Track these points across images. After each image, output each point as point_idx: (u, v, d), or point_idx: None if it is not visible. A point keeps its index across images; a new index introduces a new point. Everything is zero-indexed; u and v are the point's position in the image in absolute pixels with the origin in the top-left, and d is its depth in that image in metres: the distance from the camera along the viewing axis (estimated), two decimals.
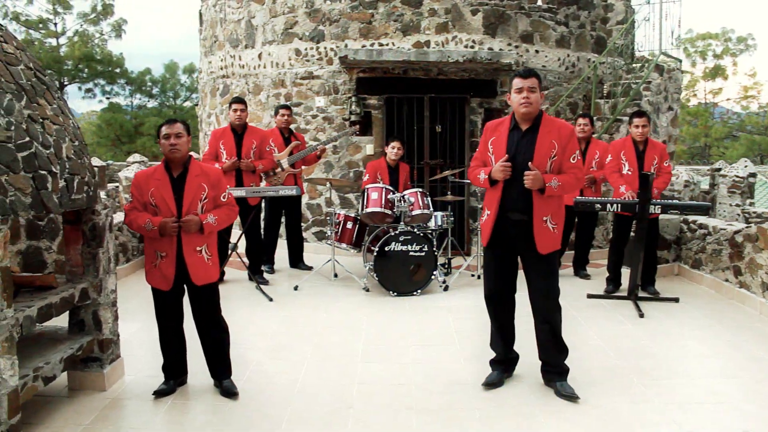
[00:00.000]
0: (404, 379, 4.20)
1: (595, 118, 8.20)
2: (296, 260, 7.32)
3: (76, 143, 3.55)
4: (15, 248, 5.01)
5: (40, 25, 25.85)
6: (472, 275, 7.05)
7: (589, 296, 6.11)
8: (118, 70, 26.97)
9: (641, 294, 6.11)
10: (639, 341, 4.93)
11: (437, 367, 4.42)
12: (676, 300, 5.95)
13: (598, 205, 5.72)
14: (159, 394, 3.86)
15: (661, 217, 6.77)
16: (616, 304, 5.91)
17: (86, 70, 26.11)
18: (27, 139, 3.16)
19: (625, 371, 4.32)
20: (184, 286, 3.85)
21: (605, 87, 8.52)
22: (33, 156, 3.16)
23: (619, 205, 5.69)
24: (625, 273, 6.62)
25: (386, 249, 6.11)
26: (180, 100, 30.45)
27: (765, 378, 4.20)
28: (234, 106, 6.27)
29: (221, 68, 9.18)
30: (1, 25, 3.46)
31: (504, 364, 4.18)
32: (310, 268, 7.14)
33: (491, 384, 4.05)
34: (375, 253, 6.10)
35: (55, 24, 26.37)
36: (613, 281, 6.30)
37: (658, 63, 8.26)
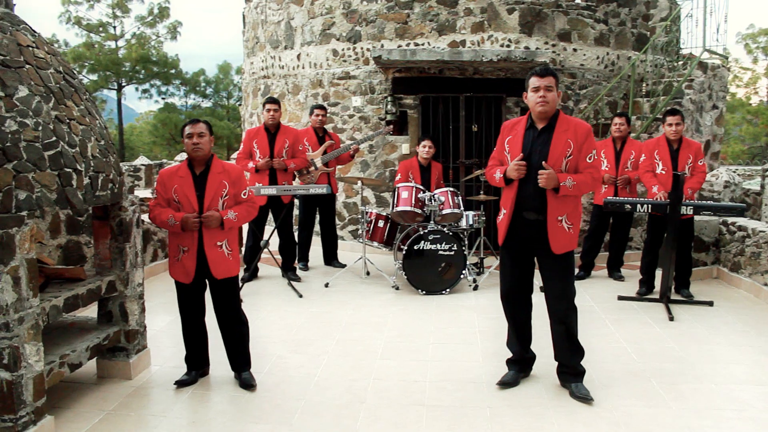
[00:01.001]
0: (419, 376, 4.24)
1: (634, 117, 8.04)
2: (330, 258, 7.43)
3: (102, 143, 3.73)
4: (56, 243, 5.27)
5: (101, 29, 26.88)
6: None
7: (620, 298, 6.00)
8: (173, 71, 27.81)
9: (675, 297, 5.97)
10: (665, 345, 4.83)
11: (454, 365, 4.44)
12: (710, 304, 5.80)
13: (628, 206, 5.61)
14: (180, 384, 4.01)
15: (698, 218, 6.60)
16: (648, 306, 5.80)
17: (143, 71, 27.04)
18: (54, 138, 3.34)
19: (646, 375, 4.25)
20: (206, 280, 3.99)
21: (647, 85, 8.33)
22: (59, 154, 3.34)
23: (650, 205, 5.57)
24: (660, 275, 6.48)
25: (415, 248, 6.15)
26: (233, 100, 31.13)
27: None
28: (267, 106, 6.42)
29: (262, 69, 9.39)
30: (35, 32, 3.66)
31: (520, 364, 4.17)
32: (343, 266, 7.24)
33: (506, 383, 4.06)
34: (404, 252, 6.15)
35: (114, 27, 27.39)
36: (646, 283, 6.17)
37: (702, 60, 8.02)
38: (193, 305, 4.05)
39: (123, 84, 27.22)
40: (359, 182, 6.59)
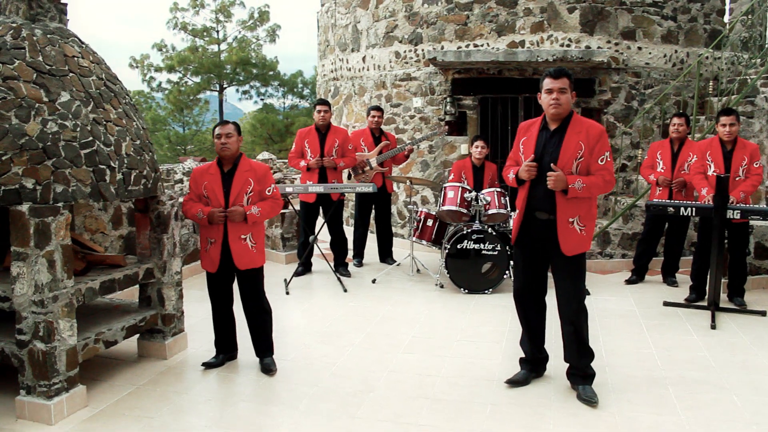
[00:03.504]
0: (434, 371, 4.35)
1: (703, 117, 7.69)
2: (385, 255, 7.61)
3: (138, 142, 4.11)
4: (117, 233, 5.79)
5: (205, 34, 28.48)
6: None
7: (666, 304, 5.81)
8: (271, 73, 28.98)
9: (727, 305, 5.71)
10: (696, 353, 4.67)
11: (472, 362, 4.51)
12: (763, 314, 5.50)
13: (671, 209, 5.43)
14: (207, 365, 4.34)
15: (760, 223, 6.26)
16: (693, 313, 5.58)
17: (242, 73, 28.39)
18: (90, 138, 3.74)
19: (666, 382, 4.15)
20: (232, 271, 4.29)
21: (720, 84, 7.93)
22: (94, 153, 3.74)
23: (694, 209, 5.37)
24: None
25: (458, 247, 6.23)
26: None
27: None
28: (318, 108, 6.70)
29: (332, 71, 9.73)
30: (83, 42, 4.09)
31: (532, 364, 4.19)
32: (397, 264, 7.41)
33: (515, 382, 4.09)
34: (447, 251, 6.25)
35: (218, 32, 28.92)
36: (696, 289, 5.93)
37: None
38: (221, 293, 4.36)
39: (224, 86, 28.71)
40: (408, 181, 6.74)
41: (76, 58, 3.91)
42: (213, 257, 4.22)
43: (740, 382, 4.15)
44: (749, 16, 7.99)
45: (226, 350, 4.46)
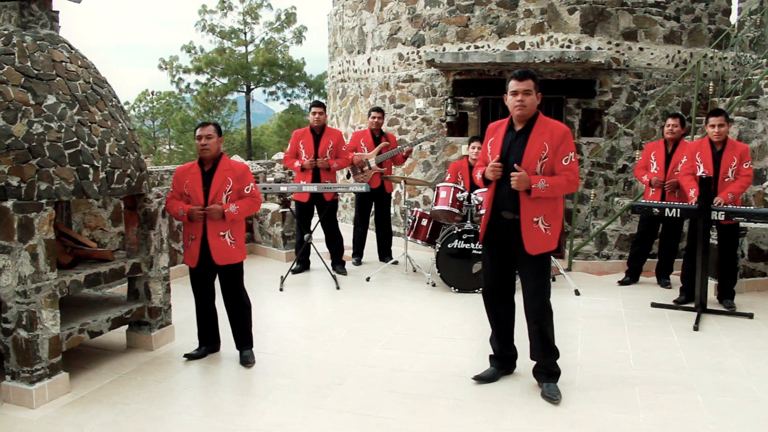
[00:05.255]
0: (407, 366, 4.46)
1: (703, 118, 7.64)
2: (384, 254, 7.74)
3: (122, 143, 4.31)
4: (117, 230, 6.04)
5: (232, 35, 28.98)
6: (551, 278, 6.93)
7: (653, 305, 5.82)
8: (297, 74, 29.35)
9: (717, 307, 5.70)
10: (673, 354, 4.69)
11: (446, 359, 4.61)
12: (750, 316, 5.47)
13: (656, 210, 5.45)
14: (189, 357, 4.53)
15: (755, 225, 6.22)
16: (680, 315, 5.58)
17: (269, 74, 28.81)
18: (74, 139, 3.95)
19: (634, 382, 4.19)
20: (212, 266, 4.47)
21: (727, 84, 7.87)
22: (78, 152, 3.95)
23: (679, 210, 5.38)
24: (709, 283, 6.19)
25: (449, 246, 6.32)
26: None
27: None
28: (313, 109, 6.86)
29: (339, 73, 9.90)
30: (72, 48, 4.32)
31: (500, 361, 4.27)
32: (395, 263, 7.53)
33: (482, 378, 4.17)
34: (437, 250, 6.35)
35: (245, 33, 29.40)
36: (686, 291, 5.92)
37: None
38: (202, 288, 4.55)
39: (251, 87, 29.18)
40: (402, 181, 6.86)
41: (64, 63, 4.13)
42: (193, 253, 4.40)
43: (710, 383, 4.16)
44: (758, 16, 7.90)
45: (208, 342, 4.65)
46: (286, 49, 29.78)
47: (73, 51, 4.32)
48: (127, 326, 4.76)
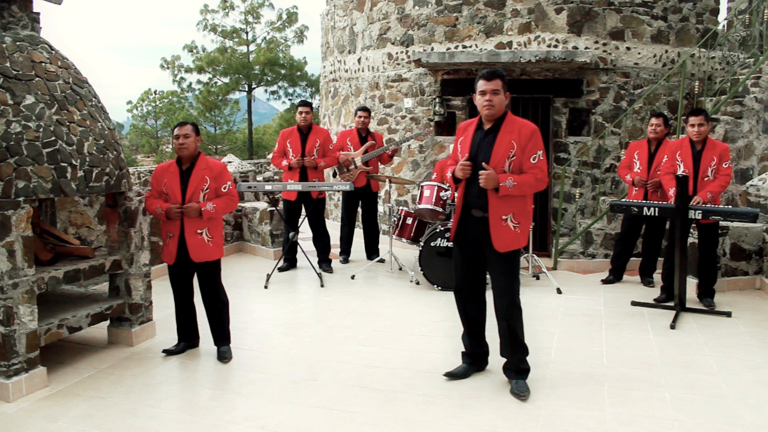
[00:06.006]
0: (381, 363, 4.52)
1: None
2: (371, 252, 7.81)
3: (101, 142, 4.39)
4: (103, 228, 6.12)
5: (234, 35, 29.09)
6: (535, 276, 7.00)
7: (633, 303, 5.87)
8: (299, 74, 29.43)
9: (697, 306, 5.75)
10: (647, 352, 4.73)
11: (420, 355, 4.67)
12: (728, 314, 5.51)
13: (635, 208, 5.50)
14: (168, 352, 4.61)
15: (736, 225, 6.26)
16: (659, 313, 5.62)
17: (270, 74, 28.91)
18: (53, 138, 4.04)
19: (603, 379, 4.23)
20: (190, 263, 4.54)
21: (715, 83, 7.90)
22: (56, 151, 4.04)
23: (657, 209, 5.42)
24: (689, 282, 6.23)
25: (431, 244, 6.38)
26: None
27: (751, 409, 3.90)
28: (300, 109, 6.94)
29: (331, 72, 9.97)
30: (52, 49, 4.40)
31: (471, 357, 4.32)
32: (382, 261, 7.60)
33: (453, 375, 4.23)
34: (420, 249, 6.41)
35: (247, 33, 29.50)
36: (667, 290, 5.96)
37: None
38: (181, 284, 4.63)
39: (253, 86, 29.30)
40: (387, 180, 6.92)
41: (43, 64, 4.21)
42: (171, 250, 4.48)
43: (678, 380, 4.21)
44: (747, 15, 7.93)
45: (187, 338, 4.73)
46: (288, 48, 29.94)
47: (54, 52, 4.40)
48: (108, 322, 4.84)
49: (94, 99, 4.54)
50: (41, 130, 3.99)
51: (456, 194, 4.15)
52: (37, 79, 4.11)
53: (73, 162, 4.13)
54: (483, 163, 3.89)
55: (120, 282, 4.79)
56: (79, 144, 4.20)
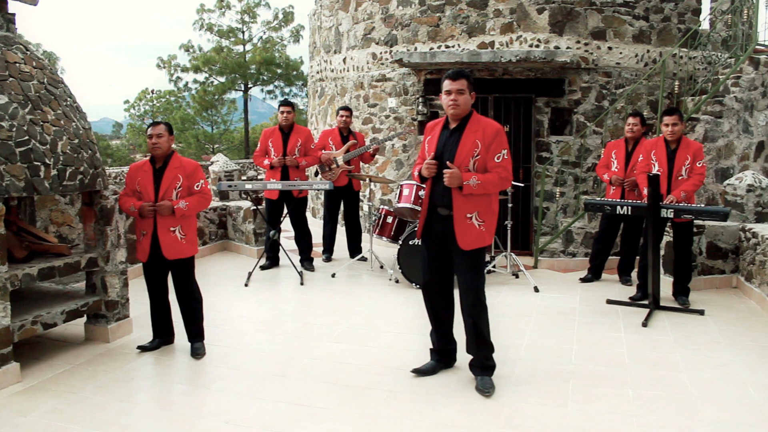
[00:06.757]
0: (352, 359, 4.58)
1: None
2: (353, 250, 7.86)
3: (76, 141, 4.45)
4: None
5: (230, 34, 29.14)
6: (514, 274, 7.05)
7: (609, 302, 5.93)
8: (295, 73, 29.49)
9: (672, 304, 5.81)
10: (616, 349, 4.79)
11: (391, 352, 4.72)
12: (701, 312, 5.57)
13: (608, 207, 5.56)
14: (143, 348, 4.67)
15: (712, 223, 6.32)
16: (633, 312, 5.67)
17: (267, 73, 28.96)
18: (26, 137, 4.09)
19: (570, 376, 4.28)
20: (163, 260, 4.60)
21: (697, 83, 7.95)
22: (29, 151, 4.09)
23: (630, 207, 5.48)
24: (664, 280, 6.30)
25: (410, 243, 6.44)
26: None
27: (713, 406, 3.96)
28: (281, 108, 7.01)
29: (318, 72, 10.03)
30: (27, 50, 4.46)
31: (439, 354, 4.37)
32: (363, 259, 7.66)
33: (421, 371, 4.28)
34: (399, 247, 6.47)
35: (243, 32, 29.57)
36: (642, 288, 6.01)
37: (754, 56, 7.54)
38: (155, 282, 4.69)
39: (249, 86, 29.37)
40: (367, 179, 6.99)
41: (17, 64, 4.27)
42: (144, 248, 4.55)
43: (644, 378, 4.25)
44: (729, 15, 7.98)
45: (162, 335, 4.79)
46: (284, 48, 30.02)
47: (28, 52, 4.46)
48: (85, 319, 4.90)
49: (69, 99, 4.61)
50: (14, 129, 4.04)
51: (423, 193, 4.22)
52: (11, 79, 4.17)
53: (47, 161, 4.19)
54: (447, 162, 3.95)
55: (96, 279, 4.85)
56: (53, 143, 4.26)
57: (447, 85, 4.00)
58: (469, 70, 7.92)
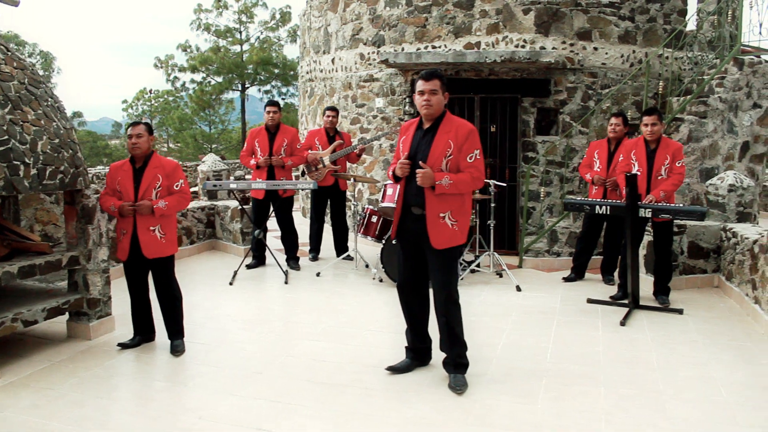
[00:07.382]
0: (331, 357, 4.63)
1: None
2: (340, 249, 7.91)
3: (56, 141, 4.50)
4: None
5: (228, 34, 29.21)
6: (497, 273, 7.10)
7: (589, 301, 5.97)
8: (292, 73, 29.54)
9: (652, 303, 5.86)
10: (593, 348, 4.83)
11: (369, 351, 4.77)
12: (680, 312, 5.62)
13: (587, 207, 5.61)
14: (123, 346, 4.73)
15: (693, 223, 6.36)
16: (613, 311, 5.72)
17: (264, 73, 29.03)
18: (6, 137, 4.14)
19: (544, 374, 4.31)
20: (143, 259, 4.65)
21: (683, 83, 8.00)
22: (9, 150, 4.14)
23: (608, 207, 5.53)
24: (645, 279, 6.36)
25: (393, 242, 6.48)
26: None
27: (684, 404, 4.01)
28: (268, 109, 7.07)
29: (308, 72, 10.08)
30: (8, 50, 4.51)
31: (414, 352, 4.41)
32: (349, 257, 7.70)
33: (396, 369, 4.32)
34: (382, 246, 6.52)
35: (240, 32, 29.63)
36: (623, 287, 6.06)
37: (738, 57, 7.59)
38: (135, 280, 4.74)
39: (246, 86, 29.43)
40: (352, 179, 7.04)
41: None
42: (124, 246, 4.60)
43: (618, 376, 4.29)
44: (715, 16, 8.03)
45: (142, 332, 4.84)
46: (281, 48, 30.12)
47: (9, 53, 4.51)
48: (67, 316, 4.95)
49: (50, 99, 4.66)
50: None
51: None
52: None
53: (26, 160, 4.24)
54: (420, 162, 3.99)
55: (78, 277, 4.90)
56: (33, 143, 4.31)
57: (420, 85, 4.06)
58: (455, 70, 8.00)
